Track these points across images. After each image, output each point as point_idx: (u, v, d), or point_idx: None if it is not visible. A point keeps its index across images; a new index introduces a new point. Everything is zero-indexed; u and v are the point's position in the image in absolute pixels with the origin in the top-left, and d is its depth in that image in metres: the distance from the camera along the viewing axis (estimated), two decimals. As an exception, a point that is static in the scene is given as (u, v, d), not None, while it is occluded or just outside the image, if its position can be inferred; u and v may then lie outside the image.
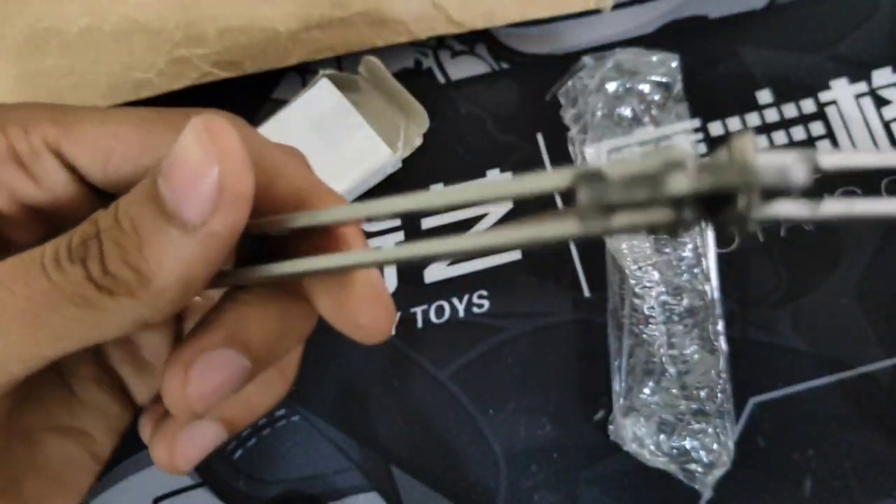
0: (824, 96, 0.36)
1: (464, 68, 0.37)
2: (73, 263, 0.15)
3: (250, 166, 0.15)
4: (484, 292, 0.33)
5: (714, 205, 0.12)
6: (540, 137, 0.35)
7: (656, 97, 0.34)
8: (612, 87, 0.34)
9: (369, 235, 0.34)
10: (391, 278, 0.34)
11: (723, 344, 0.31)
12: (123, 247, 0.15)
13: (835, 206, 0.13)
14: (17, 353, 0.15)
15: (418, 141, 0.34)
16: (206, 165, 0.14)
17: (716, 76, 0.36)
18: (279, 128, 0.33)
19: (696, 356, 0.31)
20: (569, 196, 0.12)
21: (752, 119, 0.35)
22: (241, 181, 0.14)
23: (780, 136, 0.35)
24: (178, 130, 0.15)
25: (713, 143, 0.35)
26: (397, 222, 0.34)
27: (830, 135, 0.35)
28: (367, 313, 0.17)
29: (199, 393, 0.16)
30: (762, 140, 0.35)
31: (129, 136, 0.17)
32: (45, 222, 0.18)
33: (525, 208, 0.34)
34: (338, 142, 0.33)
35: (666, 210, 0.12)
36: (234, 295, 0.17)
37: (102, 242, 0.15)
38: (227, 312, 0.17)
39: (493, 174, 0.35)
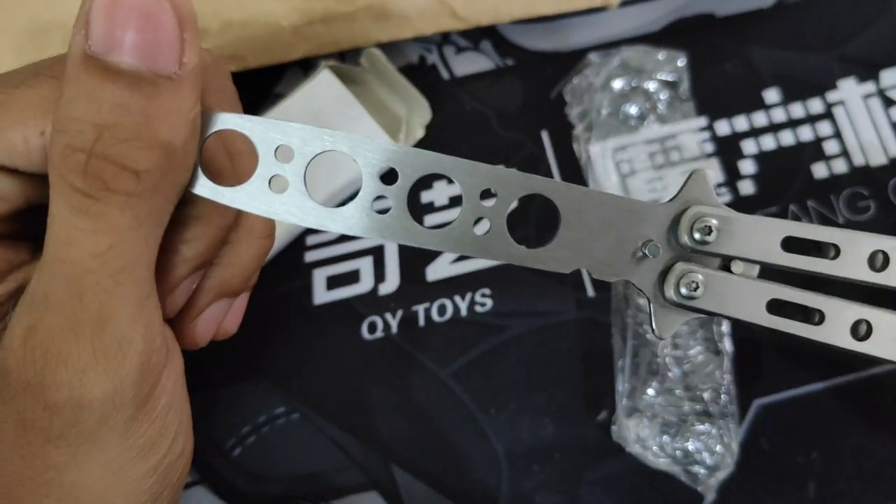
0: (832, 96, 0.35)
1: (468, 65, 0.37)
2: (106, 190, 0.15)
3: None
4: (487, 291, 0.33)
5: None
6: (545, 135, 0.35)
7: (662, 95, 0.34)
8: (617, 84, 0.34)
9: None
10: (393, 277, 0.33)
11: (727, 345, 0.31)
12: (135, 138, 0.15)
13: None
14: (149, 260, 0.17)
15: (420, 132, 0.34)
16: (156, 6, 0.15)
17: (723, 75, 0.36)
18: (281, 119, 0.32)
19: (700, 357, 0.31)
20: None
21: (759, 118, 0.35)
22: (186, 6, 0.15)
23: (786, 136, 0.35)
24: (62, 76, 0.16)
25: (719, 142, 0.35)
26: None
27: (838, 135, 0.35)
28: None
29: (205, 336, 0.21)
30: (770, 140, 0.35)
31: (31, 114, 0.17)
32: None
33: (528, 207, 0.34)
34: (340, 134, 0.33)
35: None
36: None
37: (109, 160, 0.15)
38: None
39: (497, 172, 0.35)
